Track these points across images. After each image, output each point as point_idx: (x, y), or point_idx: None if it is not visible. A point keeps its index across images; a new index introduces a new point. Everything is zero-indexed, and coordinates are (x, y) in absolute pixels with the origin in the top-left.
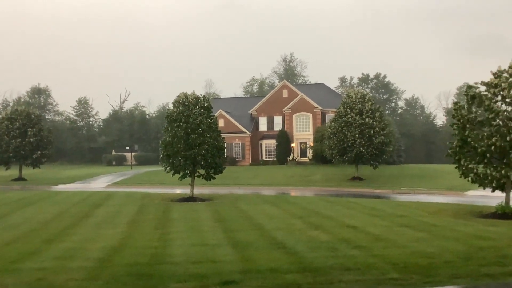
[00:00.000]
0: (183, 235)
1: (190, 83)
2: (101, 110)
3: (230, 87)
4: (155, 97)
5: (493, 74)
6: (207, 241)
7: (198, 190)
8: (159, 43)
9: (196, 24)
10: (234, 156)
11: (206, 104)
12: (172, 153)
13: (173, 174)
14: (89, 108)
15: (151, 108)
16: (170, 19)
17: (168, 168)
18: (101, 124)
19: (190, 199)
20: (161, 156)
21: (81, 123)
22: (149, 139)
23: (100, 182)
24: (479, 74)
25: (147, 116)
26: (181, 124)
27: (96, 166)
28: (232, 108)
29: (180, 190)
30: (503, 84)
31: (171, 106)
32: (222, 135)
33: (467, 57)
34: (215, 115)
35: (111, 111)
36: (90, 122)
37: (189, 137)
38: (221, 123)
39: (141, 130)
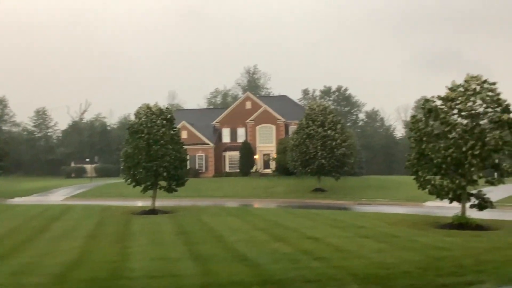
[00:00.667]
0: (144, 249)
1: (153, 94)
2: (61, 121)
3: (194, 99)
4: (117, 108)
5: (449, 89)
6: (168, 254)
7: (160, 203)
8: (122, 53)
9: (160, 34)
10: (197, 168)
11: (169, 116)
12: (133, 164)
13: (134, 186)
14: (47, 119)
15: (112, 119)
16: (133, 29)
17: (129, 180)
18: (60, 135)
19: (152, 211)
20: (122, 167)
21: (39, 134)
22: (110, 150)
23: (59, 194)
24: (436, 89)
25: (108, 127)
26: (143, 135)
27: (54, 178)
28: (195, 119)
29: (141, 203)
30: (459, 98)
31: (133, 117)
32: (185, 147)
33: (425, 72)
34: (178, 126)
35: (70, 122)
36: (49, 133)
37: (151, 148)
38: (184, 135)
39: (101, 142)
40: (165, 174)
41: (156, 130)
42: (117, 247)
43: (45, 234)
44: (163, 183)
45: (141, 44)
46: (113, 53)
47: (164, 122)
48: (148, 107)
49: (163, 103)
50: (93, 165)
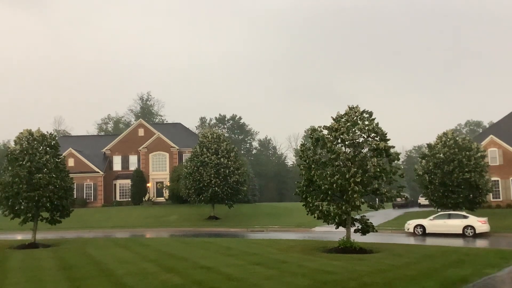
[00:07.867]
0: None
1: (36, 119)
2: None
3: (83, 125)
4: None
5: (334, 119)
6: None
7: (42, 235)
8: (4, 74)
9: (48, 56)
10: (85, 197)
11: (53, 142)
12: (12, 194)
13: (12, 218)
14: None
15: None
16: (18, 47)
17: (6, 212)
18: None
19: (32, 245)
20: None
21: None
22: None
23: None
24: (325, 118)
25: None
26: (23, 163)
27: None
28: (84, 146)
29: (21, 236)
30: (342, 128)
31: (12, 143)
32: (72, 175)
33: (314, 102)
34: (64, 153)
35: None
36: None
37: (34, 177)
38: (71, 162)
39: None
40: (48, 204)
41: (38, 158)
42: None
43: None
44: (45, 214)
45: (26, 65)
46: None
47: (48, 148)
48: (30, 132)
49: (47, 129)
50: None
